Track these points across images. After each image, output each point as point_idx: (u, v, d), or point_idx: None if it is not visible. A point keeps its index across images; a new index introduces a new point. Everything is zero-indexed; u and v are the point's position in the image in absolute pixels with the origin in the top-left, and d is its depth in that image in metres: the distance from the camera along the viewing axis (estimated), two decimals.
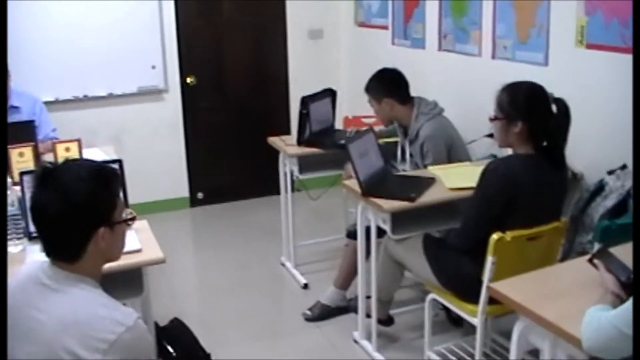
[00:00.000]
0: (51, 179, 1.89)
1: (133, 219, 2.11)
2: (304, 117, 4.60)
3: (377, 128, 4.44)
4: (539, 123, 3.03)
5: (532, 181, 3.02)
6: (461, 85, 4.82)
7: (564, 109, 3.03)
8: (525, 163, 3.05)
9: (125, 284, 2.75)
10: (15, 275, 2.05)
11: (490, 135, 3.26)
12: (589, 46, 3.70)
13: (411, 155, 4.32)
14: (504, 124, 3.07)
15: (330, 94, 4.93)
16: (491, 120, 3.13)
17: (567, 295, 2.42)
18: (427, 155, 4.09)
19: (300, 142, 4.64)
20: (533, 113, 3.03)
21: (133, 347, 1.82)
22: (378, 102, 4.29)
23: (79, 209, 1.86)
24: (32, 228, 2.88)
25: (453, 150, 4.14)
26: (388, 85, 4.29)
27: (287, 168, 4.75)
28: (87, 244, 1.90)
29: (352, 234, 4.01)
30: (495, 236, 2.96)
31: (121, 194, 2.70)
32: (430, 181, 3.70)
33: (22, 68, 5.00)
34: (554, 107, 3.05)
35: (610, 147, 3.56)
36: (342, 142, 4.02)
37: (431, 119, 4.15)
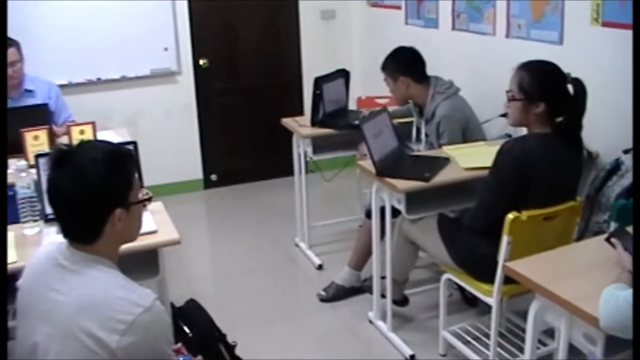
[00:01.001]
0: (67, 161, 1.89)
1: (149, 199, 2.12)
2: (317, 98, 4.59)
3: (391, 108, 4.43)
4: (559, 103, 3.01)
5: (547, 161, 3.00)
6: (475, 65, 4.80)
7: (580, 89, 3.00)
8: (541, 143, 3.03)
9: (141, 265, 2.77)
10: (32, 256, 2.07)
11: (505, 115, 3.23)
12: (605, 24, 3.66)
13: (426, 135, 4.30)
14: (524, 105, 3.03)
15: (343, 74, 4.92)
16: (509, 100, 3.10)
17: (583, 274, 2.41)
18: (443, 135, 4.07)
19: (313, 123, 4.63)
20: (554, 93, 3.00)
21: (151, 328, 1.83)
22: (394, 80, 4.27)
23: (95, 191, 1.87)
24: (48, 210, 2.90)
25: (469, 131, 4.12)
26: (404, 63, 4.27)
27: (300, 149, 4.75)
28: (104, 225, 1.91)
29: (370, 214, 4.01)
30: (510, 216, 2.95)
31: (136, 175, 2.71)
32: (444, 161, 3.69)
33: (34, 52, 5.00)
34: (570, 87, 3.02)
35: (626, 125, 3.52)
36: (356, 122, 4.01)
37: (447, 98, 4.14)
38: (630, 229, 2.44)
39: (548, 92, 3.00)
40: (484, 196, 3.19)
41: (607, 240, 2.40)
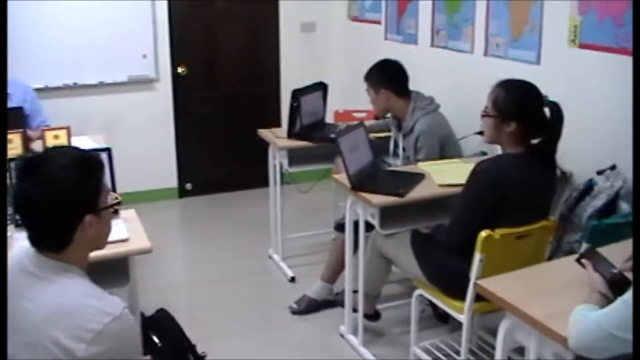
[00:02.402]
0: (34, 169, 1.86)
1: (119, 203, 2.10)
2: (294, 110, 4.59)
3: (367, 123, 4.43)
4: (532, 124, 3.01)
5: (521, 181, 3.01)
6: (452, 82, 4.82)
7: (557, 113, 3.00)
8: (515, 163, 3.04)
9: (112, 273, 2.74)
10: None
11: (481, 133, 3.24)
12: (582, 46, 3.70)
13: (404, 149, 4.31)
14: (496, 122, 3.04)
15: (321, 87, 4.93)
16: (483, 116, 3.11)
17: (554, 293, 2.42)
18: (420, 150, 4.09)
19: (290, 135, 4.62)
20: (527, 114, 3.01)
21: (119, 337, 1.81)
22: (376, 91, 4.29)
23: (64, 198, 1.84)
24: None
25: (446, 147, 4.15)
26: (388, 76, 4.29)
27: (276, 160, 4.74)
28: (74, 232, 1.88)
29: (340, 227, 4.01)
30: (483, 234, 2.95)
31: (109, 182, 2.68)
32: (419, 177, 3.70)
33: (12, 55, 4.96)
34: (546, 110, 3.03)
35: (600, 147, 3.57)
36: (333, 136, 4.02)
37: (427, 114, 4.16)
38: (601, 249, 2.46)
39: (521, 112, 3.00)
40: (458, 215, 3.20)
41: (578, 260, 2.42)
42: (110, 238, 2.10)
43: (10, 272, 1.94)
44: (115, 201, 2.06)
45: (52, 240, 1.89)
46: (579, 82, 3.73)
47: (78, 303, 1.82)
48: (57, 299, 1.83)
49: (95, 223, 1.91)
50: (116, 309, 1.82)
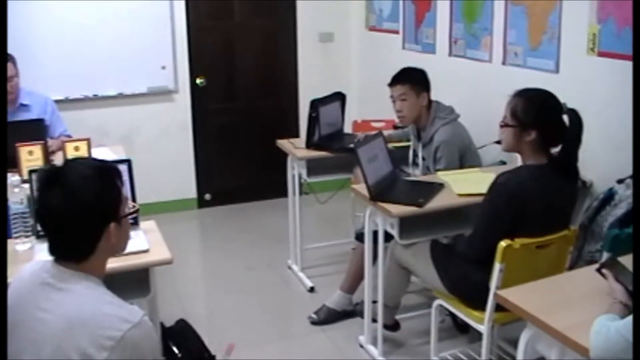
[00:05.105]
0: (57, 180, 1.88)
1: (137, 211, 2.12)
2: (313, 120, 4.60)
3: (386, 132, 4.42)
4: (552, 133, 3.00)
5: (542, 193, 2.99)
6: (471, 91, 4.81)
7: (576, 120, 2.99)
8: (536, 175, 3.02)
9: (132, 284, 2.75)
10: (16, 275, 2.05)
11: (500, 142, 3.22)
12: (601, 54, 3.69)
13: (423, 158, 4.29)
14: (516, 131, 3.03)
15: (339, 97, 4.92)
16: (502, 126, 3.10)
17: (575, 304, 2.41)
18: (440, 160, 4.07)
19: (309, 145, 4.63)
20: (547, 122, 2.99)
21: (139, 344, 1.82)
22: (417, 94, 4.21)
23: (89, 208, 1.87)
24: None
25: (466, 157, 4.12)
26: (427, 80, 4.27)
27: (295, 171, 4.75)
28: (99, 242, 1.91)
29: (361, 236, 3.99)
30: (503, 243, 2.93)
31: (129, 193, 2.70)
32: (439, 187, 3.69)
33: (31, 67, 5.03)
34: (565, 118, 3.02)
35: (621, 155, 3.54)
36: (351, 146, 4.01)
37: (447, 123, 4.14)
38: (622, 259, 2.44)
39: (541, 120, 2.99)
40: (478, 227, 3.18)
41: (599, 270, 2.40)
42: (131, 249, 2.12)
43: (26, 286, 1.95)
44: (133, 209, 2.08)
45: (77, 250, 1.91)
46: (598, 90, 3.72)
47: (97, 311, 1.83)
48: (75, 307, 1.84)
49: (117, 231, 1.94)
50: (136, 316, 1.84)
